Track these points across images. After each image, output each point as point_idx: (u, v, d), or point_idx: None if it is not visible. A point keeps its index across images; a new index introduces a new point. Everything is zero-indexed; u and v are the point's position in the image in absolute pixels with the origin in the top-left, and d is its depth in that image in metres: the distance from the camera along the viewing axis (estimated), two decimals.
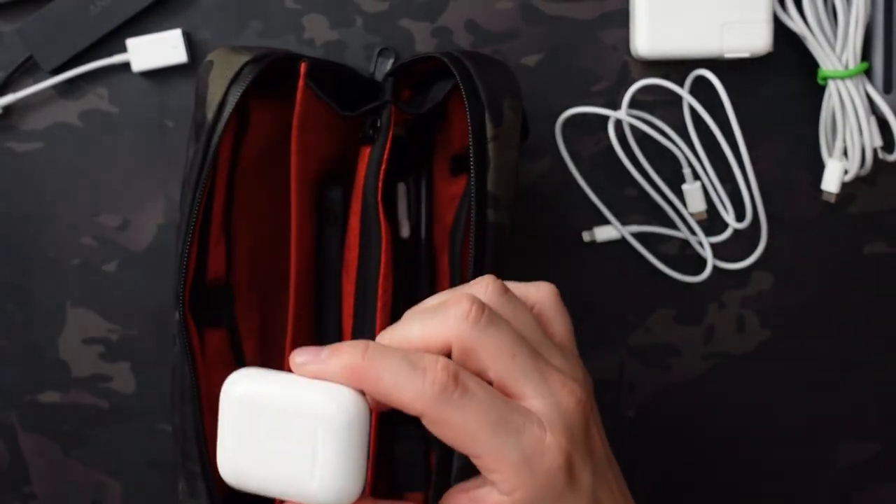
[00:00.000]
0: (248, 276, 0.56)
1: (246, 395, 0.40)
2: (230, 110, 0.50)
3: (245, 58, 0.51)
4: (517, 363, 0.41)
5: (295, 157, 0.52)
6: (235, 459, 0.41)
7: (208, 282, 0.54)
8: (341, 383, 0.40)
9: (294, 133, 0.52)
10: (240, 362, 0.55)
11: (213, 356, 0.54)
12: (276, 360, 0.56)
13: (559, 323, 0.45)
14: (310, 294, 0.56)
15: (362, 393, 0.40)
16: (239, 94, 0.50)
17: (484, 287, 0.43)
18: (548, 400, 0.41)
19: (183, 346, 0.50)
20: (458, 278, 0.53)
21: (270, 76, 0.53)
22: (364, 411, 0.40)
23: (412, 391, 0.39)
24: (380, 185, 0.51)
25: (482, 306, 0.40)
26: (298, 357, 0.40)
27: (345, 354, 0.39)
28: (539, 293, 0.45)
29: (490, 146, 0.50)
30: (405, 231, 0.58)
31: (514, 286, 0.45)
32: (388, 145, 0.52)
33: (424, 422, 0.40)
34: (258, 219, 0.56)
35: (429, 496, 0.53)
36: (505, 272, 0.52)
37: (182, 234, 0.50)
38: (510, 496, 0.40)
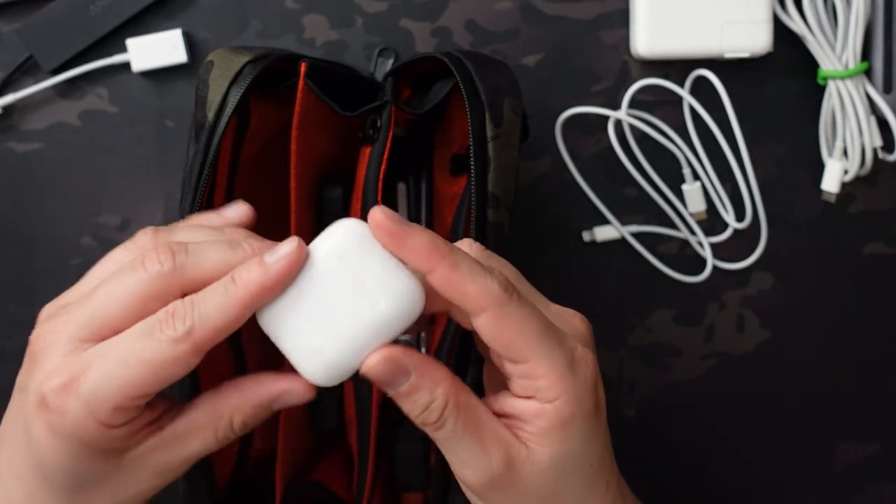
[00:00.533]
0: None
1: (345, 241, 0.41)
2: (231, 110, 0.50)
3: (245, 58, 0.51)
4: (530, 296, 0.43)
5: (295, 157, 0.52)
6: (284, 301, 0.41)
7: None
8: (419, 256, 0.40)
9: (294, 133, 0.52)
10: (240, 361, 0.55)
11: (214, 356, 0.54)
12: (276, 360, 0.56)
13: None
14: None
15: None
16: (239, 94, 0.50)
17: (468, 244, 0.45)
18: (563, 323, 0.44)
19: None
20: None
21: (271, 76, 0.53)
22: (414, 314, 0.41)
23: (482, 284, 0.40)
24: (380, 184, 0.51)
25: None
26: (381, 212, 0.40)
27: (432, 234, 0.41)
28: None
29: (490, 146, 0.50)
30: None
31: None
32: (388, 145, 0.52)
33: (484, 319, 0.41)
34: (258, 219, 0.56)
35: (429, 496, 0.53)
36: None
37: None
38: (552, 403, 0.42)
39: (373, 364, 0.41)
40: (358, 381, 0.54)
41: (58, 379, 0.41)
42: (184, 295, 0.41)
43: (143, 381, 0.40)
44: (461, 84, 0.50)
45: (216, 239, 0.44)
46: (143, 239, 0.45)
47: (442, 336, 0.52)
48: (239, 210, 0.48)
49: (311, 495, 0.57)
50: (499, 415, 0.43)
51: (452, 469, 0.44)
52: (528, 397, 0.42)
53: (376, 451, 0.54)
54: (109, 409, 0.40)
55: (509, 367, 0.42)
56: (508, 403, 0.43)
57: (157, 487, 0.44)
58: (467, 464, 0.42)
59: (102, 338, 0.41)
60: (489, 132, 0.50)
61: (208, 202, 0.52)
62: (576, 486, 0.44)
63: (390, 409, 0.55)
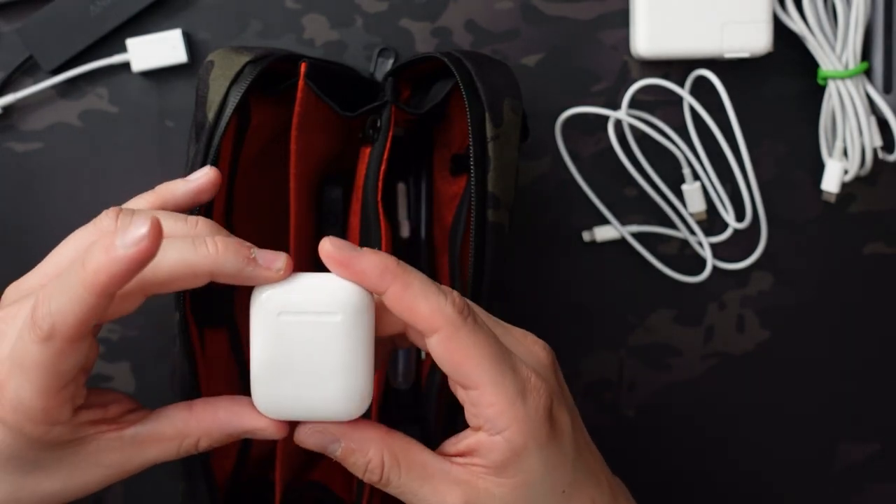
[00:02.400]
0: None
1: (272, 297, 0.41)
2: (231, 111, 0.50)
3: (246, 58, 0.51)
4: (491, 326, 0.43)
5: (294, 157, 0.52)
6: (267, 379, 0.42)
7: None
8: (370, 278, 0.41)
9: (293, 133, 0.52)
10: (240, 362, 0.55)
11: (214, 356, 0.54)
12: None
13: None
14: None
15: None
16: (240, 94, 0.50)
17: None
18: (523, 350, 0.44)
19: (184, 346, 0.50)
20: (458, 278, 0.53)
21: (271, 76, 0.53)
22: (373, 313, 0.42)
23: (434, 304, 0.40)
24: (380, 184, 0.51)
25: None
26: (330, 242, 0.41)
27: (381, 254, 0.41)
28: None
29: (490, 146, 0.50)
30: (405, 231, 0.58)
31: None
32: (388, 145, 0.52)
33: (436, 340, 0.41)
34: (258, 219, 0.56)
35: None
36: (505, 272, 0.52)
37: None
38: (502, 434, 0.41)
39: (302, 437, 0.43)
40: None
41: None
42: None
43: (47, 381, 0.40)
44: (461, 84, 0.50)
45: (182, 233, 0.43)
46: (105, 221, 0.44)
47: None
48: (206, 175, 0.48)
49: (311, 495, 0.57)
50: (457, 454, 0.43)
51: None
52: (479, 428, 0.42)
53: None
54: (39, 412, 0.41)
55: (461, 394, 0.42)
56: (464, 440, 0.43)
57: (107, 482, 0.44)
58: None
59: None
60: (489, 132, 0.50)
61: (208, 202, 0.52)
62: None
63: (390, 409, 0.55)
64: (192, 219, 0.44)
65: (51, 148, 0.64)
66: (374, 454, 0.42)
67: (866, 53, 0.63)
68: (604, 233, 0.64)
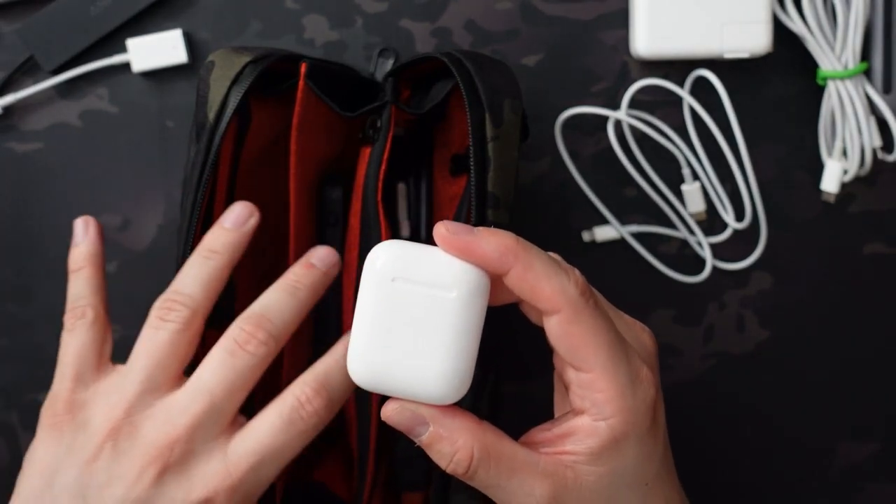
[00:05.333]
0: (249, 276, 0.56)
1: (390, 261, 0.40)
2: (232, 111, 0.50)
3: (246, 58, 0.51)
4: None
5: (294, 157, 0.52)
6: (367, 344, 0.40)
7: None
8: (491, 260, 0.40)
9: (294, 133, 0.52)
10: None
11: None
12: (276, 361, 0.56)
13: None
14: None
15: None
16: (240, 94, 0.50)
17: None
18: (632, 336, 0.43)
19: None
20: None
21: (271, 76, 0.53)
22: (488, 296, 0.40)
23: (557, 285, 0.40)
24: (380, 185, 0.51)
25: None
26: (446, 228, 0.40)
27: (502, 234, 0.40)
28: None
29: (490, 146, 0.50)
30: (405, 231, 0.58)
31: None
32: (388, 145, 0.52)
33: (556, 321, 0.40)
34: (259, 219, 0.56)
35: (429, 495, 0.53)
36: None
37: (184, 236, 0.50)
38: (607, 421, 0.41)
39: (389, 412, 0.41)
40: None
41: (222, 483, 0.44)
42: None
43: (288, 460, 0.46)
44: (461, 85, 0.50)
45: (276, 290, 0.50)
46: (180, 313, 0.49)
47: None
48: (249, 220, 0.51)
49: (312, 495, 0.57)
50: (548, 441, 0.42)
51: None
52: (582, 412, 0.41)
53: (376, 451, 0.54)
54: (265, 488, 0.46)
55: (571, 375, 0.41)
56: (563, 423, 0.42)
57: None
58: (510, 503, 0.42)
59: (227, 431, 0.46)
60: (489, 133, 0.50)
61: (209, 202, 0.52)
62: (629, 503, 0.43)
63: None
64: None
65: (51, 148, 0.64)
66: (464, 444, 0.41)
67: (866, 54, 0.63)
68: (603, 233, 0.64)
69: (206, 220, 0.53)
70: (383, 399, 0.53)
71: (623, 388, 0.41)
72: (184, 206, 0.51)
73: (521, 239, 0.40)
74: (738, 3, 0.61)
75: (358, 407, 0.54)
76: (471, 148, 0.50)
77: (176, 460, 0.44)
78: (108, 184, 0.64)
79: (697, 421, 0.65)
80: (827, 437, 0.66)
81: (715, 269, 0.65)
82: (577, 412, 0.41)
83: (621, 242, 0.64)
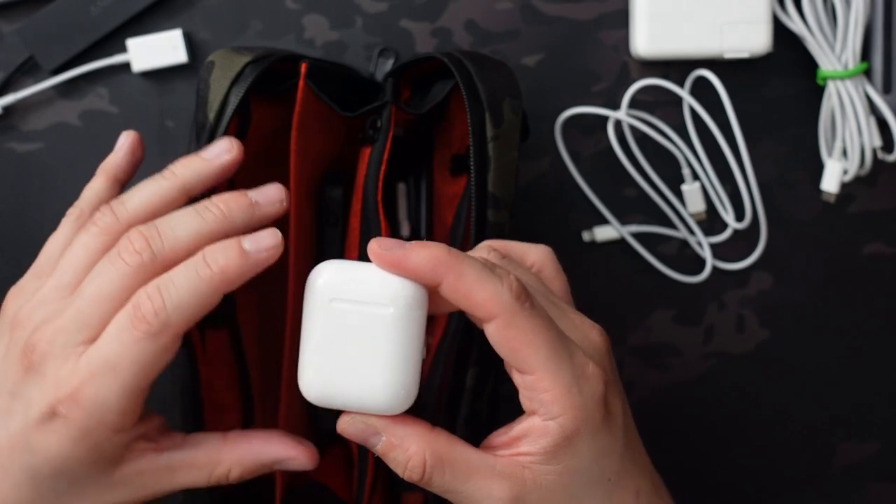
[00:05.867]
0: (246, 291, 0.56)
1: (328, 284, 0.41)
2: (232, 111, 0.50)
3: (246, 58, 0.51)
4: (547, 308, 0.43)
5: (294, 157, 0.52)
6: (315, 364, 0.42)
7: None
8: (423, 273, 0.41)
9: (294, 133, 0.52)
10: (240, 362, 0.55)
11: (214, 356, 0.54)
12: (275, 360, 0.56)
13: (558, 281, 0.48)
14: None
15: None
16: (241, 94, 0.50)
17: (486, 251, 0.45)
18: (579, 335, 0.43)
19: (185, 347, 0.50)
20: None
21: (271, 76, 0.53)
22: (426, 307, 0.42)
23: (491, 291, 0.40)
24: (380, 185, 0.51)
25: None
26: (377, 244, 0.41)
27: (431, 247, 0.41)
28: (538, 253, 0.47)
29: (490, 146, 0.50)
30: (405, 231, 0.58)
31: (512, 246, 0.47)
32: (388, 145, 0.52)
33: (493, 326, 0.41)
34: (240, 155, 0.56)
35: (428, 496, 0.53)
36: None
37: None
38: (556, 420, 0.41)
39: (343, 425, 0.42)
40: None
41: (63, 391, 0.42)
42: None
43: (136, 381, 0.42)
44: (461, 85, 0.50)
45: (172, 194, 0.45)
46: (105, 219, 0.45)
47: (441, 338, 0.52)
48: (229, 153, 0.48)
49: (312, 496, 0.57)
50: (505, 444, 0.43)
51: None
52: (532, 413, 0.42)
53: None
54: (116, 416, 0.42)
55: (517, 378, 0.42)
56: (516, 427, 0.43)
57: None
58: None
59: (94, 339, 0.42)
60: (489, 133, 0.50)
61: None
62: (594, 500, 0.43)
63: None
64: (184, 172, 0.46)
65: (51, 148, 0.64)
66: (416, 451, 0.42)
67: (866, 53, 0.63)
68: (603, 233, 0.64)
69: None
70: None
71: (568, 386, 0.41)
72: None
73: (452, 249, 0.41)
74: (738, 3, 0.61)
75: None
76: (471, 148, 0.50)
77: (38, 360, 0.43)
78: None
79: (697, 421, 0.65)
80: (827, 437, 0.66)
81: (715, 269, 0.65)
82: (528, 414, 0.42)
83: (621, 242, 0.64)
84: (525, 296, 0.41)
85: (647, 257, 0.64)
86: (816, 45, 0.62)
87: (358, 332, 0.41)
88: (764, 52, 0.62)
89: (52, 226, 0.64)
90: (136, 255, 0.42)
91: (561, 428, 0.41)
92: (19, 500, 0.44)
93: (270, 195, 0.44)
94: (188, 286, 0.41)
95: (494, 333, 0.41)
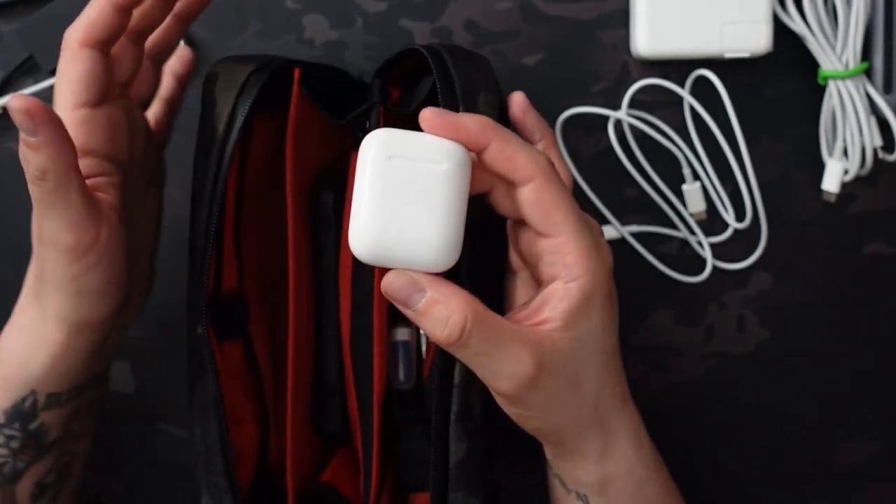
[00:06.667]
0: (257, 285, 0.56)
1: (385, 142, 0.43)
2: (241, 122, 0.50)
3: (249, 68, 0.51)
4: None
5: (290, 162, 0.52)
6: (367, 218, 0.42)
7: (224, 295, 0.54)
8: (475, 135, 0.43)
9: (289, 139, 0.52)
10: (254, 371, 0.55)
11: (231, 367, 0.54)
12: (283, 365, 0.56)
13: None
14: (308, 298, 0.56)
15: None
16: (248, 105, 0.50)
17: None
18: (591, 222, 0.48)
19: (208, 361, 0.50)
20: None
21: (269, 86, 0.53)
22: (470, 169, 0.44)
23: (531, 156, 0.44)
24: None
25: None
26: (430, 112, 0.43)
27: (479, 116, 0.44)
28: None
29: None
30: None
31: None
32: None
33: (531, 188, 0.44)
34: (263, 228, 0.56)
35: (434, 496, 0.53)
36: (498, 269, 0.52)
37: (200, 249, 0.50)
38: (576, 281, 0.45)
39: (389, 281, 0.43)
40: (359, 384, 0.54)
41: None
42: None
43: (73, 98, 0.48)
44: (436, 76, 0.50)
45: None
46: None
47: None
48: None
49: (321, 497, 0.57)
50: (523, 319, 0.45)
51: (485, 383, 0.45)
52: (554, 278, 0.45)
53: (382, 453, 0.54)
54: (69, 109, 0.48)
55: (542, 243, 0.45)
56: (539, 294, 0.45)
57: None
58: (500, 375, 0.44)
59: None
60: None
61: (220, 215, 0.51)
62: (592, 370, 0.46)
63: (393, 409, 0.55)
64: None
65: None
66: (458, 308, 0.43)
67: (866, 53, 0.63)
68: (604, 232, 0.64)
69: (216, 233, 0.52)
70: (383, 398, 0.54)
71: (588, 251, 0.44)
72: (197, 221, 0.50)
73: (497, 122, 0.44)
74: (739, 3, 0.61)
75: (360, 408, 0.54)
76: None
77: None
78: None
79: (697, 421, 0.65)
80: (827, 437, 0.66)
81: (715, 269, 0.65)
82: (548, 280, 0.45)
83: (621, 242, 0.64)
84: (555, 167, 0.45)
85: (648, 257, 0.64)
86: (817, 45, 0.62)
87: (413, 188, 0.42)
88: (764, 52, 0.62)
89: None
90: None
91: (580, 289, 0.44)
92: (38, 287, 0.50)
93: None
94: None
95: (531, 195, 0.44)
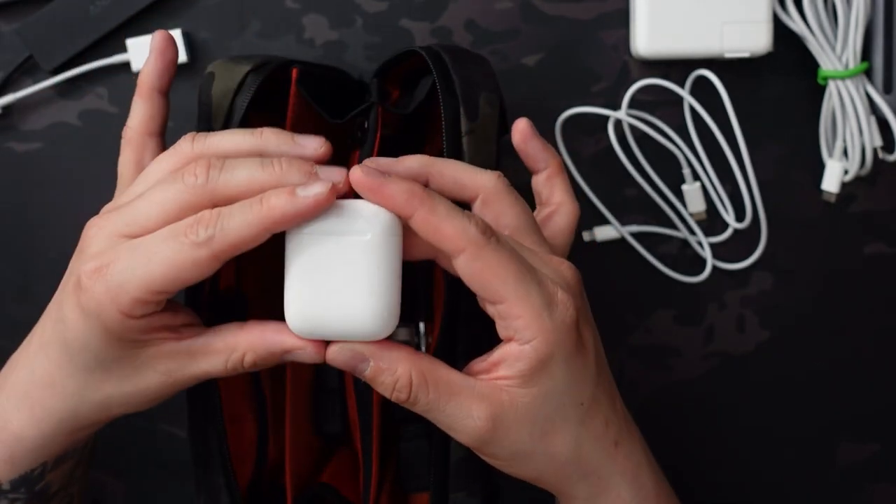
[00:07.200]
0: (256, 283, 0.56)
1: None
2: (238, 121, 0.50)
3: (246, 68, 0.51)
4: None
5: None
6: (299, 298, 0.43)
7: (221, 291, 0.54)
8: (397, 203, 0.43)
9: None
10: (254, 374, 0.55)
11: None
12: (283, 366, 0.56)
13: (515, 209, 0.49)
14: None
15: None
16: (245, 104, 0.50)
17: (495, 178, 0.47)
18: (549, 269, 0.46)
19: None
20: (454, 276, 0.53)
21: (267, 86, 0.53)
22: (401, 235, 0.43)
23: (458, 226, 0.43)
24: None
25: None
26: (361, 171, 0.43)
27: (408, 182, 0.43)
28: (485, 181, 0.48)
29: (465, 141, 0.50)
30: None
31: (458, 174, 0.47)
32: (376, 146, 0.51)
33: (463, 259, 0.43)
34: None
35: (433, 497, 0.53)
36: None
37: None
38: (530, 343, 0.43)
39: (331, 354, 0.44)
40: (359, 384, 0.54)
41: (92, 264, 0.44)
42: (215, 206, 0.44)
43: (163, 278, 0.43)
44: (436, 77, 0.50)
45: (250, 150, 0.47)
46: (184, 146, 0.47)
47: (437, 338, 0.51)
48: (324, 148, 0.49)
49: (320, 496, 0.57)
50: (484, 370, 0.45)
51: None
52: (509, 339, 0.44)
53: (381, 453, 0.53)
54: (129, 300, 0.43)
55: (490, 309, 0.44)
56: (494, 353, 0.45)
57: (159, 391, 0.47)
58: (453, 428, 0.45)
59: (137, 236, 0.44)
60: (463, 127, 0.50)
61: None
62: (566, 422, 0.45)
63: (392, 410, 0.55)
64: (266, 133, 0.47)
65: (51, 148, 0.64)
66: (403, 372, 0.44)
67: (866, 53, 0.63)
68: (604, 233, 0.64)
69: None
70: (383, 400, 0.54)
71: (539, 310, 0.43)
72: None
73: (427, 189, 0.43)
74: (739, 3, 0.61)
75: (360, 409, 0.54)
76: (444, 142, 0.50)
77: (86, 240, 0.46)
78: (108, 184, 0.64)
79: (697, 421, 0.65)
80: (827, 437, 0.66)
81: (715, 268, 0.65)
82: (506, 341, 0.44)
83: (621, 242, 0.64)
84: (490, 231, 0.43)
85: (648, 257, 0.64)
86: (817, 45, 0.62)
87: (338, 261, 0.43)
88: (764, 52, 0.62)
89: (52, 225, 0.65)
90: (194, 177, 0.44)
91: (535, 351, 0.43)
92: (57, 373, 0.47)
93: (333, 175, 0.45)
94: (241, 215, 0.43)
95: (464, 266, 0.43)
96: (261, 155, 0.47)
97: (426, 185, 0.46)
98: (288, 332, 0.46)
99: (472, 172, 0.47)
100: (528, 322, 0.43)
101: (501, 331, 0.44)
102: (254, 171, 0.45)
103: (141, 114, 0.52)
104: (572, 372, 0.45)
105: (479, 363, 0.45)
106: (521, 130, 0.53)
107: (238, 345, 0.47)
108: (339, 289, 0.43)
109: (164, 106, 0.52)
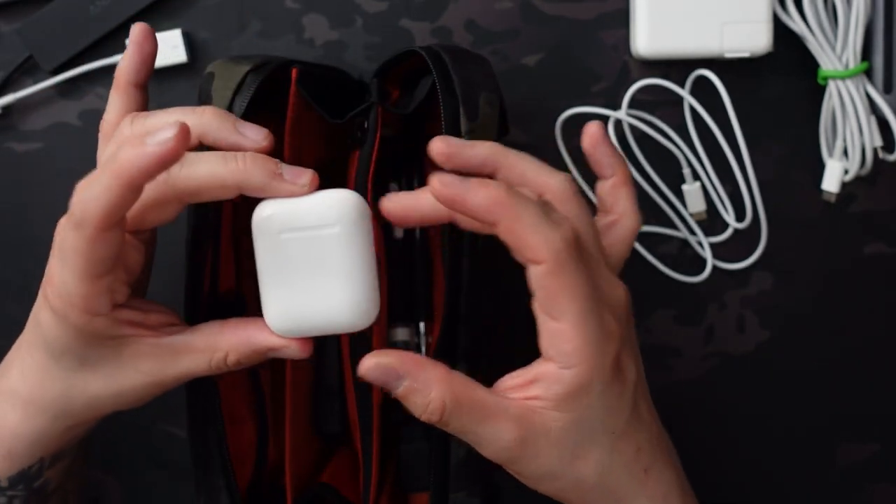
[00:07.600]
0: (255, 285, 0.56)
1: (272, 217, 0.43)
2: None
3: (245, 67, 0.51)
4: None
5: (287, 162, 0.52)
6: (275, 298, 0.43)
7: (221, 293, 0.54)
8: (481, 214, 0.41)
9: (286, 139, 0.52)
10: (252, 370, 0.55)
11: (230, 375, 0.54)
12: (282, 367, 0.56)
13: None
14: None
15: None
16: (245, 104, 0.50)
17: (562, 180, 0.46)
18: (608, 289, 0.44)
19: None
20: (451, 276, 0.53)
21: (266, 86, 0.53)
22: (370, 218, 0.43)
23: (543, 236, 0.41)
24: (369, 187, 0.51)
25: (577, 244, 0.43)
26: (438, 180, 0.41)
27: (491, 186, 0.41)
28: (551, 181, 0.46)
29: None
30: (398, 231, 0.58)
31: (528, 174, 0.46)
32: (375, 147, 0.51)
33: (539, 271, 0.42)
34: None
35: (433, 497, 0.53)
36: (501, 270, 0.51)
37: (197, 248, 0.50)
38: (572, 370, 0.42)
39: (367, 369, 0.43)
40: (359, 385, 0.54)
41: (47, 276, 0.45)
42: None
43: (83, 267, 0.43)
44: (436, 77, 0.50)
45: (211, 153, 0.46)
46: (123, 129, 0.48)
47: (438, 338, 0.51)
48: (265, 137, 0.48)
49: (320, 497, 0.57)
50: (518, 386, 0.44)
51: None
52: (549, 359, 0.43)
53: (381, 454, 0.53)
54: (79, 298, 0.44)
55: (544, 321, 0.43)
56: (532, 370, 0.44)
57: (145, 392, 0.47)
58: (482, 446, 0.44)
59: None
60: (463, 127, 0.50)
61: (217, 214, 0.51)
62: (597, 448, 0.45)
63: (392, 411, 0.55)
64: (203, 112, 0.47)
65: (51, 148, 0.64)
66: (436, 395, 0.43)
67: (866, 53, 0.63)
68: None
69: (214, 232, 0.52)
70: (384, 401, 0.54)
71: (590, 342, 0.42)
72: (193, 220, 0.50)
73: (511, 189, 0.42)
74: (739, 3, 0.61)
75: (360, 409, 0.54)
76: None
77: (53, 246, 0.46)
78: None
79: (697, 421, 0.65)
80: (827, 438, 0.65)
81: (715, 268, 0.65)
82: (545, 359, 0.43)
83: None
84: (577, 249, 0.42)
85: (648, 257, 0.64)
86: (817, 45, 0.62)
87: (310, 257, 0.42)
88: (764, 52, 0.62)
89: (52, 225, 0.64)
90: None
91: (576, 377, 0.42)
92: (44, 375, 0.48)
93: (298, 175, 0.45)
94: (97, 181, 0.42)
95: (538, 278, 0.42)
96: (199, 139, 0.47)
97: (493, 174, 0.45)
98: (270, 330, 0.46)
99: (542, 171, 0.45)
100: (577, 349, 0.42)
101: (544, 346, 0.43)
102: (215, 166, 0.44)
103: (117, 107, 0.51)
104: (608, 400, 0.44)
105: (513, 378, 0.44)
106: (591, 134, 0.49)
107: (220, 345, 0.46)
108: (314, 285, 0.43)
109: (140, 99, 0.52)
